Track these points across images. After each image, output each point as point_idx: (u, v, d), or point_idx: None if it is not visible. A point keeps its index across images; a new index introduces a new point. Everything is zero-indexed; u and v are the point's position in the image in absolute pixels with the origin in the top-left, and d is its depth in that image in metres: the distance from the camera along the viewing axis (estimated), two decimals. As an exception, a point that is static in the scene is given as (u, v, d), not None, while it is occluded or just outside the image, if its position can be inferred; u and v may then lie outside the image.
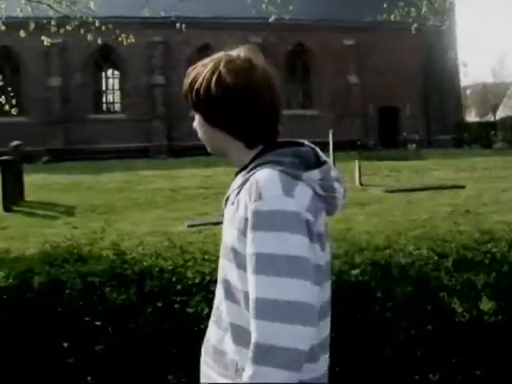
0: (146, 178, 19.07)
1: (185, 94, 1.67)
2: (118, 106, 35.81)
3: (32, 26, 8.11)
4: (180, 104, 33.57)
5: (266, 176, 1.51)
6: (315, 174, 1.55)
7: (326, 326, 1.66)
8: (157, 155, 31.50)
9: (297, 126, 32.64)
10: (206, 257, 3.48)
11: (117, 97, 36.00)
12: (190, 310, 3.14)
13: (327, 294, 1.66)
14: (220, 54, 1.65)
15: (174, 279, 3.24)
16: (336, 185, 1.61)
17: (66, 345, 3.16)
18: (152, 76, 33.50)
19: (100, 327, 3.16)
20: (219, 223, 8.28)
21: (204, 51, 33.96)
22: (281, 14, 10.52)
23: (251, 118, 1.59)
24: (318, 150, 1.66)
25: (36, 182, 17.49)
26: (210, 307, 3.19)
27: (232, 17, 32.51)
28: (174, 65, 33.08)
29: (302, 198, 1.50)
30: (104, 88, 36.14)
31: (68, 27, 8.39)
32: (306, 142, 1.68)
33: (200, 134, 1.72)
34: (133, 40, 9.19)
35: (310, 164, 1.57)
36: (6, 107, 8.18)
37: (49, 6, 8.13)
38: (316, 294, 1.50)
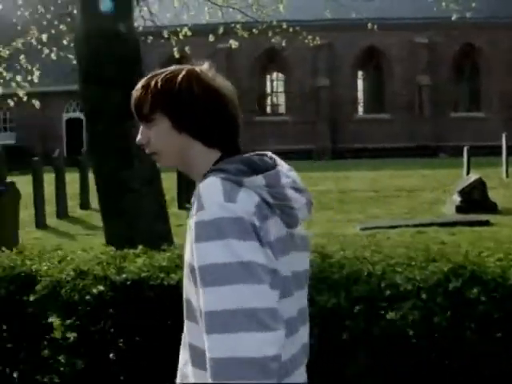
0: (313, 179, 19.15)
1: (145, 99, 1.57)
2: (282, 108, 36.47)
3: (221, 30, 8.44)
4: (345, 106, 33.58)
5: (207, 185, 1.45)
6: (259, 180, 1.46)
7: (296, 340, 1.55)
8: (320, 157, 31.63)
9: (463, 128, 31.37)
10: (413, 263, 3.37)
11: (281, 99, 36.69)
12: (396, 317, 3.05)
13: (295, 306, 1.55)
14: (188, 66, 1.60)
15: (382, 285, 3.17)
16: (291, 193, 1.51)
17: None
18: (317, 78, 33.68)
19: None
20: (393, 227, 8.05)
21: (369, 52, 33.79)
22: (463, 13, 10.09)
23: (218, 121, 1.56)
24: (276, 158, 1.61)
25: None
26: (419, 315, 3.15)
27: (397, 17, 31.81)
28: (339, 67, 33.06)
29: (245, 203, 1.42)
30: (269, 91, 36.99)
31: (255, 31, 8.63)
32: (269, 153, 1.62)
33: (160, 144, 1.60)
34: (318, 42, 9.26)
35: (258, 171, 1.48)
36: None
37: (237, 10, 8.40)
38: (273, 297, 1.40)
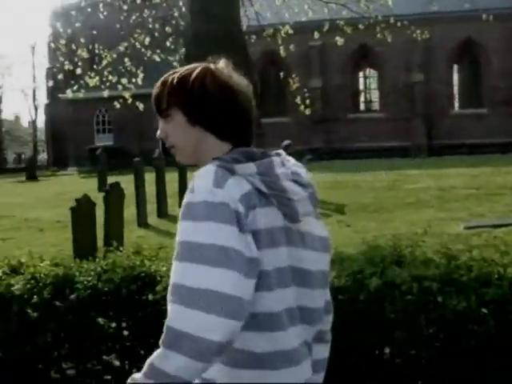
0: (411, 176, 18.72)
1: (162, 95, 1.65)
2: (376, 105, 35.90)
3: (326, 27, 8.35)
4: (440, 102, 32.63)
5: (202, 171, 1.51)
6: (251, 167, 1.50)
7: (290, 337, 1.53)
8: (416, 154, 30.88)
9: None
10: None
11: (375, 96, 36.12)
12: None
13: (292, 303, 1.55)
14: (205, 64, 1.66)
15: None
16: (288, 184, 1.54)
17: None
18: (411, 74, 32.90)
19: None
20: (498, 226, 7.62)
21: (466, 45, 32.67)
22: None
23: (229, 115, 1.61)
24: (284, 154, 1.66)
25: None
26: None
27: (492, 8, 30.55)
28: (434, 62, 32.16)
29: (232, 189, 1.46)
30: (362, 87, 36.52)
31: (361, 26, 8.49)
32: (280, 151, 1.68)
33: (176, 138, 1.66)
34: (427, 35, 9.00)
35: (253, 159, 1.53)
36: (302, 107, 8.53)
37: (343, 5, 8.29)
38: (244, 286, 1.41)
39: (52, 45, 9.45)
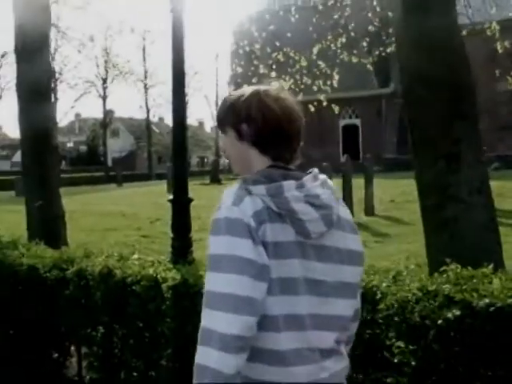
0: None
1: (221, 113, 1.93)
2: None
3: None
4: None
5: (227, 191, 1.80)
6: (260, 189, 1.74)
7: (302, 338, 1.75)
8: None
9: None
10: None
11: None
12: None
13: (304, 309, 1.75)
14: (259, 87, 1.92)
15: None
16: (298, 206, 1.74)
17: None
18: None
19: None
20: None
21: None
22: None
23: (269, 133, 1.83)
24: (309, 175, 1.83)
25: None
26: None
27: None
28: None
29: (246, 207, 1.72)
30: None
31: None
32: (314, 170, 1.86)
33: (229, 151, 1.95)
34: None
35: (271, 181, 1.76)
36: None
37: None
38: (254, 287, 1.66)
39: (240, 51, 9.48)
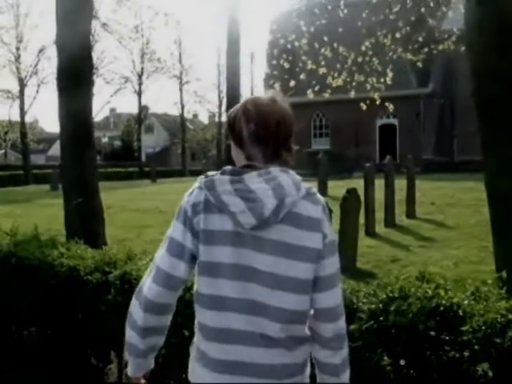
0: None
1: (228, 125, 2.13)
2: None
3: None
4: None
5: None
6: (201, 183, 1.99)
7: (224, 318, 1.95)
8: None
9: None
10: None
11: None
12: None
13: (229, 291, 1.93)
14: (250, 97, 2.09)
15: None
16: (229, 199, 1.91)
17: None
18: None
19: None
20: None
21: None
22: None
23: (250, 138, 2.00)
24: (254, 170, 1.96)
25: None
26: None
27: None
28: None
29: (191, 197, 2.01)
30: None
31: None
32: (280, 170, 1.97)
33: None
34: None
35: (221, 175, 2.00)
36: None
37: None
38: (173, 265, 1.99)
39: (288, 45, 9.11)
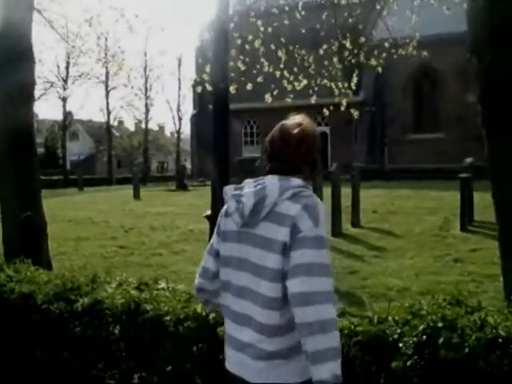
0: None
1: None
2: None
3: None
4: None
5: None
6: (226, 191, 2.36)
7: (226, 297, 2.38)
8: None
9: None
10: None
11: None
12: None
13: (228, 277, 2.34)
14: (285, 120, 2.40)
15: None
16: (229, 202, 2.31)
17: None
18: None
19: None
20: None
21: None
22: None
23: (271, 152, 2.33)
24: (261, 178, 2.27)
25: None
26: None
27: None
28: None
29: (224, 206, 2.40)
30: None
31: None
32: (278, 177, 2.24)
33: None
34: None
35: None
36: None
37: None
38: (207, 260, 2.46)
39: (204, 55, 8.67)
